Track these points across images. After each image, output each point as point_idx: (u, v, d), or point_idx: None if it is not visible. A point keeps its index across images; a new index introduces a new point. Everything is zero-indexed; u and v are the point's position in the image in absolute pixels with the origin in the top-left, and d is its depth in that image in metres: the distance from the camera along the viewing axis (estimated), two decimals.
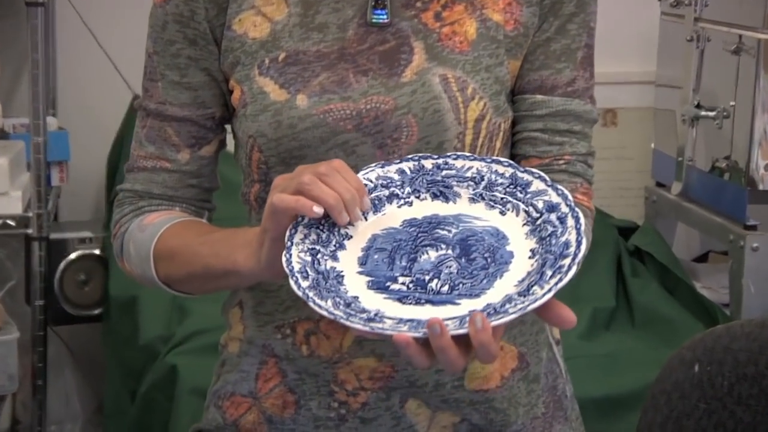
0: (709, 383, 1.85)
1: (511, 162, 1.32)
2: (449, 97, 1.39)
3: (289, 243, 1.27)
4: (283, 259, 1.26)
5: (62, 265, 2.84)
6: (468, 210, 1.32)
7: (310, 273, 1.27)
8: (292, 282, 1.25)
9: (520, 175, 1.32)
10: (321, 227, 1.29)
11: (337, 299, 1.26)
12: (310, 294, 1.24)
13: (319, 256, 1.29)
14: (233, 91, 1.44)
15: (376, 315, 1.24)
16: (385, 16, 1.41)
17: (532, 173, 1.32)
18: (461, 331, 1.19)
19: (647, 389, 1.91)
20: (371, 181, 1.34)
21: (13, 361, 2.39)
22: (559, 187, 1.30)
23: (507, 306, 1.23)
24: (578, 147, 1.47)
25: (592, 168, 1.49)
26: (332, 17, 1.42)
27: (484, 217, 1.31)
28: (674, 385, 1.86)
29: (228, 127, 1.51)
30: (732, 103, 2.65)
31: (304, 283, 1.26)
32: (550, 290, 1.22)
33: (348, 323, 1.21)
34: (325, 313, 1.22)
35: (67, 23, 3.03)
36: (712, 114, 2.70)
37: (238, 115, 1.44)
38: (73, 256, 2.85)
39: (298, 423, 1.47)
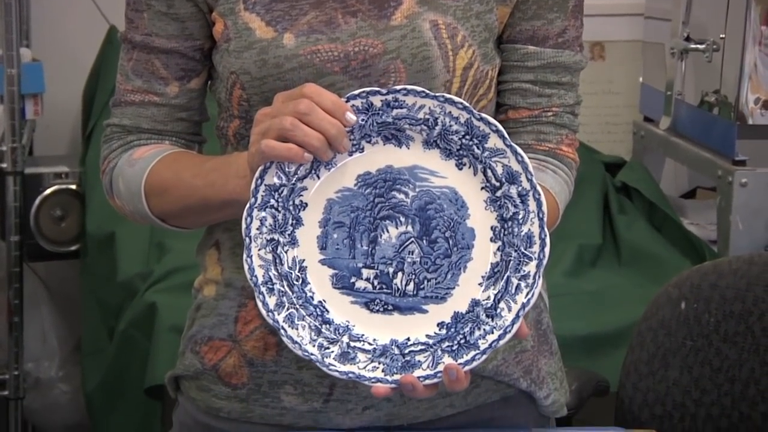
0: (695, 320, 1.86)
1: (466, 105, 1.31)
2: (439, 44, 1.39)
3: (247, 239, 1.29)
4: (245, 266, 1.29)
5: (38, 200, 2.84)
6: (422, 159, 1.32)
7: (275, 282, 1.30)
8: (259, 302, 1.29)
9: (476, 123, 1.32)
10: (276, 204, 1.30)
11: (308, 320, 1.31)
12: (282, 323, 1.30)
13: (279, 249, 1.31)
14: (215, 24, 1.43)
15: (346, 333, 1.31)
16: None
17: (488, 123, 1.31)
18: (435, 381, 1.28)
19: (633, 327, 1.93)
20: None
21: None
22: (518, 150, 1.31)
23: (476, 334, 1.29)
24: (566, 98, 1.49)
25: (578, 116, 1.51)
26: None
27: (440, 171, 1.32)
28: (660, 323, 1.88)
29: None
30: (722, 35, 2.64)
31: (271, 301, 1.30)
32: (518, 315, 1.28)
33: (326, 370, 1.29)
34: (299, 352, 1.29)
35: None
36: (701, 47, 2.70)
37: (219, 50, 1.43)
38: (48, 191, 2.85)
39: (281, 365, 1.47)
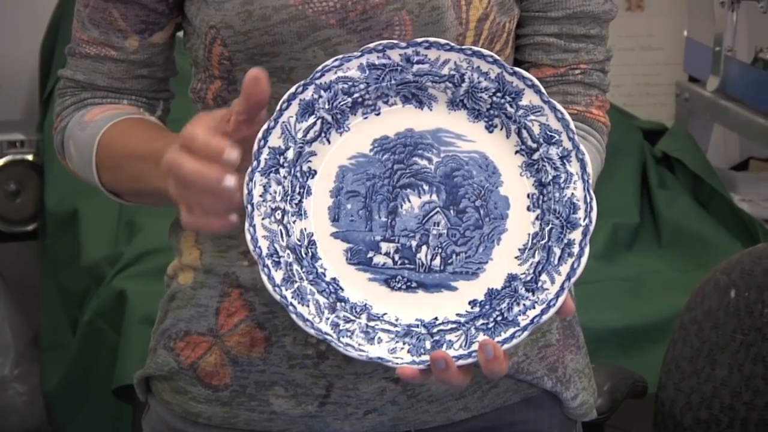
0: (747, 311, 1.87)
1: (497, 58, 1.31)
2: None
3: (249, 206, 1.28)
4: (247, 236, 1.27)
5: None
6: (447, 122, 1.33)
7: (281, 254, 1.30)
8: (264, 275, 1.28)
9: (508, 78, 1.32)
10: (281, 169, 1.30)
11: (319, 299, 1.30)
12: (291, 299, 1.28)
13: (285, 220, 1.31)
14: None
15: (364, 313, 1.30)
16: None
17: (523, 78, 1.31)
18: (470, 361, 1.25)
19: (675, 319, 1.94)
20: (327, 88, 1.34)
21: None
22: (557, 106, 1.31)
23: (514, 310, 1.28)
24: (595, 53, 1.50)
25: (609, 74, 1.52)
26: None
27: (467, 135, 1.33)
28: (707, 314, 1.88)
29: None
30: None
31: (278, 275, 1.29)
32: (562, 288, 1.27)
33: (342, 351, 1.27)
34: (312, 331, 1.27)
35: None
36: None
37: (195, 1, 1.43)
38: (1, 162, 2.85)
39: (270, 363, 1.48)
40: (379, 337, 1.30)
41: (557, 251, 1.28)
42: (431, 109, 1.33)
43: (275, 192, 1.30)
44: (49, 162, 2.81)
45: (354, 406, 1.48)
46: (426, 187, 1.32)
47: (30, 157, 2.87)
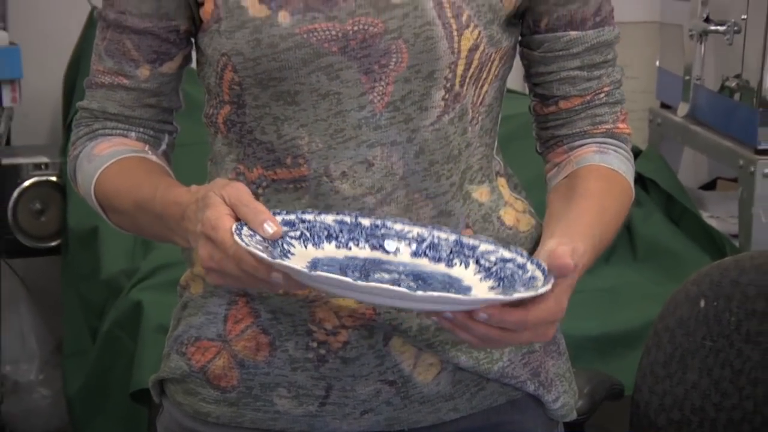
0: (715, 319, 1.87)
1: (454, 230, 1.38)
2: (443, 23, 1.40)
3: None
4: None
5: (16, 193, 2.84)
6: (411, 261, 1.36)
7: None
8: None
9: (465, 241, 1.36)
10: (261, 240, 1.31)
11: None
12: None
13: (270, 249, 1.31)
14: (203, 4, 1.43)
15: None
16: None
17: (478, 238, 1.36)
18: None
19: (649, 326, 1.94)
20: (308, 221, 1.36)
21: None
22: (512, 248, 1.35)
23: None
24: (614, 74, 1.52)
25: (622, 88, 1.54)
26: None
27: (429, 267, 1.36)
28: (678, 322, 1.88)
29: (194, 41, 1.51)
30: (744, 16, 2.65)
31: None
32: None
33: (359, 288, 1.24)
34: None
35: None
36: (722, 29, 2.70)
37: (208, 30, 1.43)
38: (27, 183, 2.85)
39: (273, 366, 1.47)
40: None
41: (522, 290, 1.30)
42: (396, 255, 1.36)
43: (259, 240, 1.29)
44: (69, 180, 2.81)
45: (352, 406, 1.47)
46: (396, 273, 1.35)
47: (54, 179, 2.86)
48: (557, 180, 1.53)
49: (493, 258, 1.35)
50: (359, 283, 1.22)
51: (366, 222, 1.36)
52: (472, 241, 1.36)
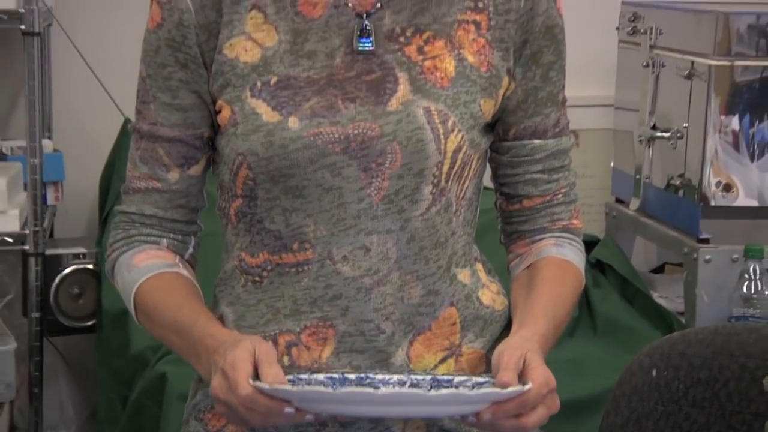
0: (665, 387, 1.85)
1: (428, 372, 1.41)
2: (432, 128, 1.40)
3: None
4: None
5: (57, 279, 2.82)
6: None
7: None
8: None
9: (440, 377, 1.37)
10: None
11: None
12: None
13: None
14: (220, 111, 1.44)
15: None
16: (369, 44, 1.42)
17: (450, 374, 1.40)
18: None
19: (609, 393, 1.92)
20: (304, 378, 1.36)
21: (11, 371, 2.38)
22: (483, 375, 1.38)
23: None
24: (570, 177, 1.54)
25: (576, 187, 1.56)
26: (320, 45, 1.42)
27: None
28: (634, 389, 1.86)
29: None
30: (685, 124, 2.66)
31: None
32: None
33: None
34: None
35: (61, 50, 3.02)
36: (666, 135, 2.71)
37: (225, 134, 1.43)
38: (67, 270, 2.84)
39: (280, 429, 1.45)
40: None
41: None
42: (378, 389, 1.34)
43: None
44: (106, 271, 2.80)
45: None
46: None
47: (90, 266, 2.85)
48: (519, 269, 1.53)
49: (469, 383, 1.34)
50: (383, 390, 1.26)
51: (352, 375, 1.36)
52: (446, 376, 1.36)
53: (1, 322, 2.45)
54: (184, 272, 1.48)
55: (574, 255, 1.52)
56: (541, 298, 1.45)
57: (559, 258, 1.51)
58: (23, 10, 2.60)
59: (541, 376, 1.33)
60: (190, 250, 1.51)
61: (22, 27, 2.60)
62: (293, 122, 1.39)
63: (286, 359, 1.45)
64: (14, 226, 2.65)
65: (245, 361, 1.28)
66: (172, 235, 1.49)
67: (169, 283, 1.46)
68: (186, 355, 1.43)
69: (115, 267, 1.50)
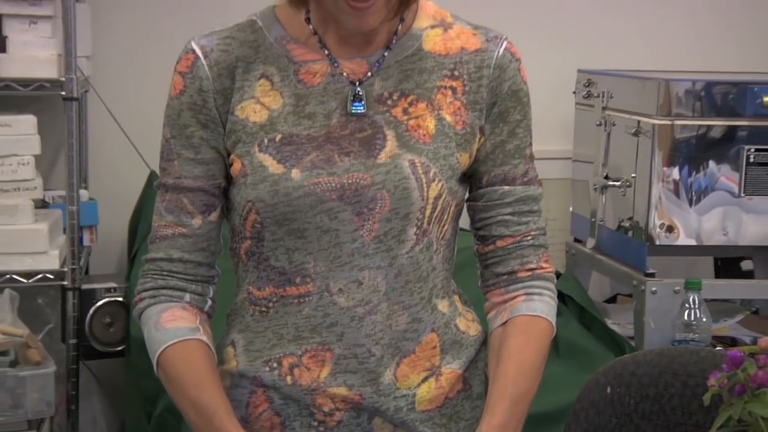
0: (619, 402, 1.84)
1: None
2: (416, 178, 1.41)
3: None
4: None
5: (91, 310, 2.81)
6: None
7: None
8: None
9: None
10: None
11: None
12: None
13: None
14: (233, 164, 1.44)
15: None
16: (361, 107, 1.43)
17: None
18: None
19: (570, 407, 1.91)
20: None
21: (51, 390, 2.36)
22: None
23: None
24: (539, 222, 1.51)
25: (546, 235, 1.53)
26: (319, 108, 1.43)
27: None
28: (591, 404, 1.85)
29: None
30: (633, 175, 2.67)
31: None
32: None
33: None
34: None
35: (96, 112, 3.03)
36: (617, 184, 2.72)
37: (237, 184, 1.44)
38: (100, 302, 2.82)
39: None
40: None
41: None
42: None
43: None
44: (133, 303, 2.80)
45: None
46: None
47: (120, 299, 2.84)
48: (495, 323, 1.50)
49: None
50: None
51: None
52: None
53: (43, 347, 2.43)
54: (204, 337, 1.45)
55: (543, 306, 1.49)
56: (502, 376, 1.45)
57: (528, 317, 1.48)
58: (64, 79, 2.60)
59: None
60: (209, 302, 1.49)
61: (63, 93, 2.60)
62: (295, 173, 1.40)
63: (289, 379, 1.44)
64: (55, 265, 2.64)
65: None
66: (193, 286, 1.47)
67: (191, 356, 1.43)
68: (199, 430, 1.42)
69: (142, 316, 1.47)
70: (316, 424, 1.43)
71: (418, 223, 1.42)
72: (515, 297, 1.49)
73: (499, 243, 1.50)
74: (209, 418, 1.39)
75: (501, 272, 1.50)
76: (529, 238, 1.50)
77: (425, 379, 1.47)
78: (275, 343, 1.45)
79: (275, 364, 1.44)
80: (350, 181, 1.40)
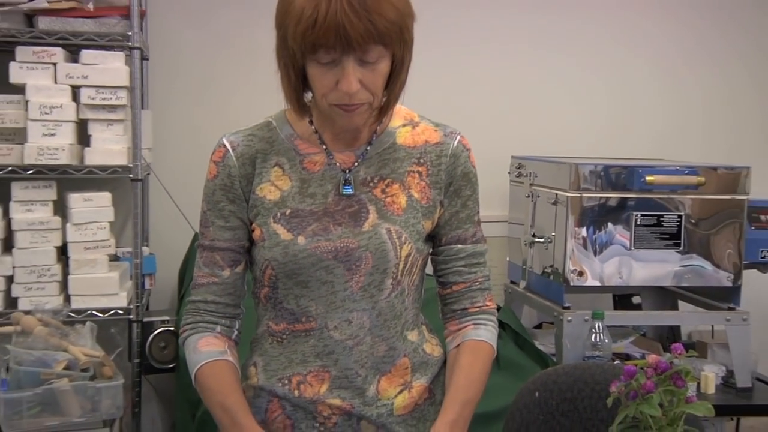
0: (544, 403, 1.83)
1: None
2: (391, 242, 1.40)
3: None
4: None
5: (150, 336, 2.79)
6: None
7: None
8: None
9: None
10: None
11: None
12: None
13: None
14: (254, 231, 1.43)
15: None
16: (350, 189, 1.42)
17: None
18: None
19: (508, 408, 1.90)
20: None
21: (120, 398, 2.33)
22: None
23: None
24: (485, 271, 1.50)
25: (490, 280, 1.52)
26: (319, 189, 1.42)
27: None
28: (524, 405, 1.84)
29: None
30: (553, 233, 2.68)
31: None
32: None
33: None
34: None
35: (155, 189, 3.04)
36: (542, 240, 2.73)
37: (257, 246, 1.43)
38: (157, 331, 2.80)
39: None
40: None
41: None
42: None
43: None
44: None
45: None
46: None
47: (171, 328, 2.81)
48: (451, 346, 1.48)
49: None
50: None
51: None
52: None
53: (114, 365, 2.40)
54: (230, 358, 1.43)
55: (487, 333, 1.48)
56: (455, 384, 1.42)
57: (475, 341, 1.47)
58: (131, 165, 2.61)
59: None
60: (236, 333, 1.48)
61: (131, 176, 2.61)
62: (301, 240, 1.39)
63: (296, 392, 1.43)
64: (123, 303, 2.63)
65: None
66: (223, 321, 1.45)
67: (220, 371, 1.41)
68: (224, 427, 1.39)
69: (185, 342, 1.46)
70: (318, 425, 1.42)
71: (394, 276, 1.41)
72: (466, 326, 1.48)
73: (455, 287, 1.49)
74: (232, 416, 1.37)
75: (456, 309, 1.50)
76: (477, 283, 1.49)
77: (400, 392, 1.46)
78: (287, 365, 1.44)
79: (286, 381, 1.43)
80: (342, 245, 1.39)
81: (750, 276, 2.77)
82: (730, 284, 2.63)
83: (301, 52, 1.26)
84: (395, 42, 1.28)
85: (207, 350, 1.42)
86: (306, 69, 1.30)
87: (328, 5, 1.21)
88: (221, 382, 1.39)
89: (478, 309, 1.49)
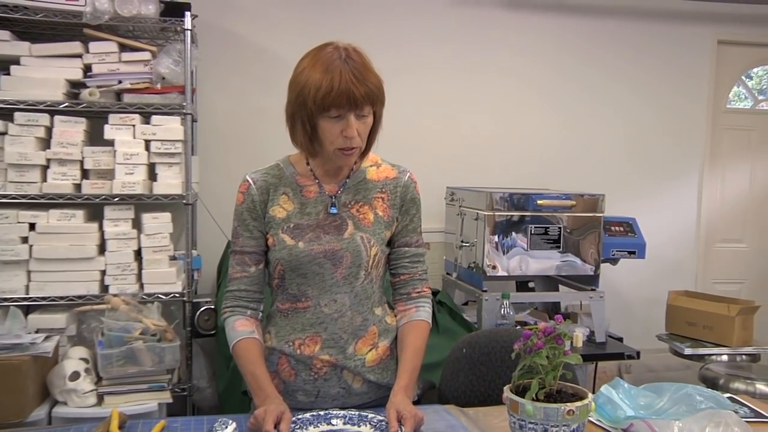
0: (469, 357, 1.83)
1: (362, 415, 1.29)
2: (364, 245, 1.39)
3: None
4: None
5: (198, 312, 2.73)
6: (344, 427, 1.26)
7: None
8: None
9: (365, 413, 1.27)
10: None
11: None
12: None
13: None
14: (269, 239, 1.41)
15: None
16: (335, 210, 1.41)
17: (375, 412, 1.29)
18: None
19: (444, 360, 1.88)
20: (299, 419, 1.25)
21: (177, 354, 2.31)
22: (383, 413, 1.27)
23: None
24: (423, 267, 1.48)
25: (427, 272, 1.49)
26: (313, 209, 1.41)
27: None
28: (455, 359, 1.84)
29: None
30: (475, 240, 2.68)
31: None
32: None
33: None
34: None
35: (201, 211, 2.98)
36: (468, 244, 2.73)
37: (271, 250, 1.41)
38: (203, 308, 2.74)
39: (297, 383, 1.41)
40: None
41: None
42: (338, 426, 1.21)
43: None
44: (219, 309, 2.70)
45: (328, 399, 1.41)
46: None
47: (212, 306, 2.75)
48: (402, 323, 1.44)
49: (375, 420, 1.24)
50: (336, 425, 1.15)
51: (322, 412, 1.26)
52: (370, 414, 1.25)
53: (174, 332, 2.35)
54: (257, 336, 1.39)
55: (424, 314, 1.46)
56: (405, 357, 1.39)
57: (417, 320, 1.44)
58: (185, 194, 2.57)
59: (409, 414, 1.25)
60: (260, 314, 1.45)
61: (184, 201, 2.56)
62: (301, 245, 1.38)
63: (298, 351, 1.40)
64: (179, 289, 2.59)
65: (273, 413, 1.22)
66: (252, 305, 1.42)
67: (251, 346, 1.37)
68: (252, 389, 1.34)
69: (226, 321, 1.43)
70: (313, 373, 1.41)
71: (366, 269, 1.41)
72: (410, 308, 1.47)
73: (402, 277, 1.48)
74: (259, 383, 1.34)
75: (402, 293, 1.49)
76: (417, 275, 1.48)
77: (370, 350, 1.44)
78: (291, 332, 1.42)
79: (291, 343, 1.42)
80: (330, 247, 1.38)
81: (605, 268, 2.82)
82: (592, 273, 2.65)
83: (318, 111, 1.26)
84: (378, 101, 1.29)
85: (241, 329, 1.40)
86: (317, 124, 1.28)
87: (340, 77, 1.23)
88: (251, 355, 1.37)
89: (417, 294, 1.48)
